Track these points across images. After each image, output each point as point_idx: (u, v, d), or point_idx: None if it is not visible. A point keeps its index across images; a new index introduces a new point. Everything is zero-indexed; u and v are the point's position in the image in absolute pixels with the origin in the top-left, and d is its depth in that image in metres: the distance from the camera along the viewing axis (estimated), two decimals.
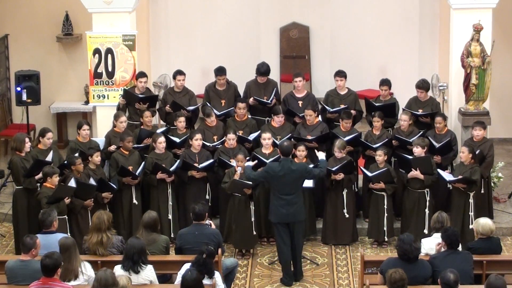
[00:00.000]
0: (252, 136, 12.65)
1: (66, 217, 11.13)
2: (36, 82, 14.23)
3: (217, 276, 9.07)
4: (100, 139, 12.78)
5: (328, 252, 12.03)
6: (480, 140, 12.23)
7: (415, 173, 11.79)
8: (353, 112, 13.01)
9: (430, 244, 9.60)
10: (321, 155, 11.25)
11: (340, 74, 13.21)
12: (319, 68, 16.49)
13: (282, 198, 10.82)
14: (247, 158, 11.89)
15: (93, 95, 13.75)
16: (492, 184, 12.73)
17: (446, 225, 9.58)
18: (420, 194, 11.94)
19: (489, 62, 12.76)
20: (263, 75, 13.32)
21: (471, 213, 11.71)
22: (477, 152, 11.95)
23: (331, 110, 13.01)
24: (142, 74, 13.33)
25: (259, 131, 12.59)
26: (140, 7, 14.29)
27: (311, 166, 11.75)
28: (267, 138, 12.05)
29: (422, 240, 9.77)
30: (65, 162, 11.89)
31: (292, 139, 12.42)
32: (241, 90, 13.64)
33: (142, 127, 12.84)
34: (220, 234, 10.09)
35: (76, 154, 11.86)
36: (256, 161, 11.56)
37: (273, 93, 13.30)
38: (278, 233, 11.00)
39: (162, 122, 14.04)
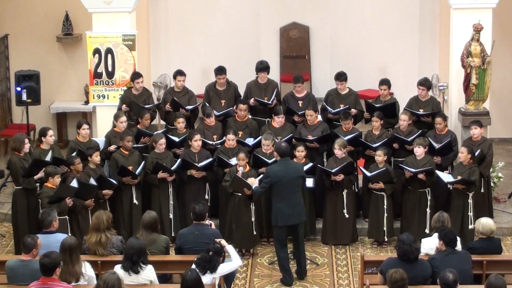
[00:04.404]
0: (251, 142, 12.61)
1: (67, 217, 11.13)
2: (36, 82, 14.25)
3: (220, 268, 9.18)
4: (100, 139, 12.79)
5: (328, 252, 12.03)
6: (479, 140, 12.24)
7: (418, 175, 11.79)
8: (354, 110, 13.02)
9: (430, 244, 9.60)
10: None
11: (340, 78, 13.18)
12: (319, 68, 16.50)
13: (285, 199, 10.79)
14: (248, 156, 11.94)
15: (93, 95, 13.76)
16: (492, 184, 12.73)
17: (446, 225, 9.59)
18: (421, 194, 11.94)
19: (489, 62, 12.76)
20: (262, 71, 13.33)
21: (470, 213, 11.71)
22: (477, 152, 11.95)
23: (333, 111, 13.01)
24: (138, 75, 13.30)
25: (259, 137, 12.53)
26: (140, 7, 14.30)
27: (310, 165, 11.83)
28: (266, 145, 12.04)
29: (422, 240, 9.78)
30: (64, 159, 11.90)
31: (293, 139, 12.43)
32: (241, 90, 13.64)
33: (138, 126, 12.84)
34: (220, 234, 10.09)
35: (74, 154, 11.86)
36: (260, 178, 11.43)
37: (274, 94, 13.31)
38: (278, 237, 10.98)
39: (162, 122, 14.05)
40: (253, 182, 11.26)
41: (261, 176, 11.33)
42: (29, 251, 8.89)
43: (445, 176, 11.84)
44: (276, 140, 12.35)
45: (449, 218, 9.79)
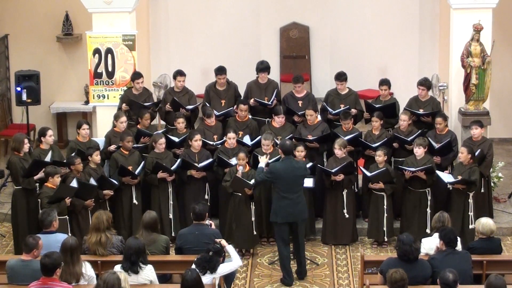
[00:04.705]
0: (248, 140, 12.61)
1: (67, 217, 11.13)
2: (36, 82, 14.24)
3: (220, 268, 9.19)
4: (100, 139, 12.79)
5: (328, 252, 12.03)
6: (479, 140, 12.24)
7: (418, 173, 11.78)
8: (354, 110, 13.03)
9: (430, 244, 9.60)
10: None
11: (340, 78, 13.18)
12: (319, 68, 16.50)
13: (286, 197, 10.81)
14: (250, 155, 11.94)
15: (93, 95, 13.76)
16: (492, 184, 12.73)
17: (447, 225, 9.59)
18: (421, 194, 11.94)
19: (489, 62, 12.76)
20: (263, 71, 13.34)
21: (471, 213, 11.72)
22: (477, 152, 11.96)
23: (333, 112, 13.00)
24: (138, 75, 13.30)
25: (258, 137, 12.52)
26: (140, 7, 14.30)
27: (310, 165, 11.84)
28: (266, 145, 12.05)
29: (423, 239, 9.79)
30: (64, 161, 11.91)
31: (293, 139, 12.43)
32: (241, 90, 13.64)
33: (138, 126, 12.84)
34: (220, 234, 10.09)
35: (74, 154, 11.87)
36: (268, 158, 11.43)
37: (274, 94, 13.31)
38: (279, 235, 10.99)
39: (162, 122, 14.04)
40: (264, 160, 11.22)
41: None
42: (30, 251, 8.89)
43: (446, 176, 11.85)
44: (276, 140, 12.36)
45: (449, 218, 9.79)
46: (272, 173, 10.87)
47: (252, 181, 11.55)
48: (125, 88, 13.55)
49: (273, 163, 11.18)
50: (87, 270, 8.94)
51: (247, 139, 12.62)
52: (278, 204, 10.89)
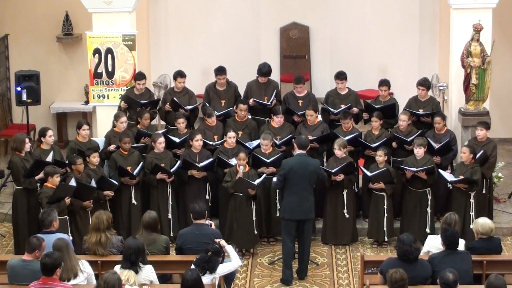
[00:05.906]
0: (252, 144, 12.60)
1: (67, 217, 11.13)
2: (36, 82, 14.24)
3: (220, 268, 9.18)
4: (100, 139, 12.79)
5: (328, 252, 12.03)
6: (483, 141, 12.23)
7: (419, 173, 11.77)
8: (356, 109, 13.03)
9: (435, 242, 9.58)
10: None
11: (341, 76, 13.19)
12: (319, 68, 16.50)
13: (296, 194, 10.80)
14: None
15: (93, 95, 13.76)
16: (492, 184, 12.72)
17: (453, 227, 9.52)
18: (422, 193, 11.94)
19: (489, 62, 12.76)
20: (265, 75, 13.33)
21: (472, 213, 11.72)
22: (480, 152, 11.95)
23: (335, 112, 13.00)
24: (141, 76, 13.30)
25: (259, 141, 12.50)
26: (140, 7, 14.30)
27: None
28: (264, 145, 12.04)
29: (428, 236, 9.82)
30: (66, 161, 11.92)
31: (293, 140, 12.41)
32: (241, 90, 13.64)
33: (138, 126, 12.84)
34: (220, 234, 10.09)
35: (75, 154, 11.88)
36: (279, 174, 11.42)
37: (274, 94, 13.30)
38: (286, 230, 10.98)
39: (162, 122, 14.05)
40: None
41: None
42: (32, 251, 8.89)
43: (448, 175, 11.86)
44: (275, 141, 12.37)
45: (458, 220, 9.70)
46: (283, 169, 10.86)
47: (256, 182, 11.54)
48: (125, 88, 13.56)
49: (285, 159, 11.19)
50: (85, 267, 8.94)
51: (250, 144, 12.59)
52: (287, 200, 10.90)
